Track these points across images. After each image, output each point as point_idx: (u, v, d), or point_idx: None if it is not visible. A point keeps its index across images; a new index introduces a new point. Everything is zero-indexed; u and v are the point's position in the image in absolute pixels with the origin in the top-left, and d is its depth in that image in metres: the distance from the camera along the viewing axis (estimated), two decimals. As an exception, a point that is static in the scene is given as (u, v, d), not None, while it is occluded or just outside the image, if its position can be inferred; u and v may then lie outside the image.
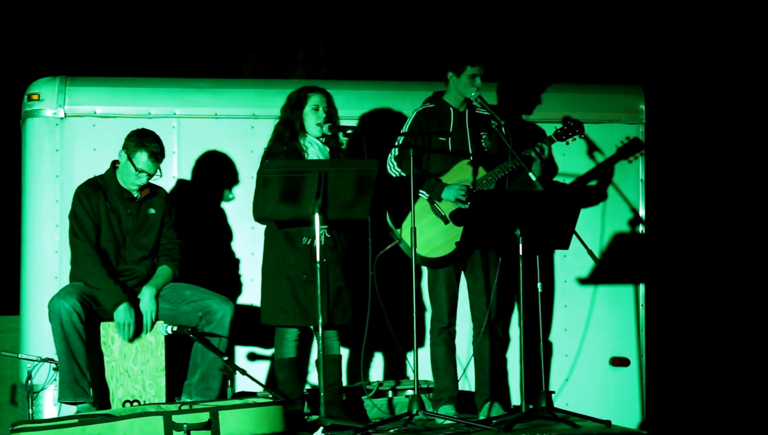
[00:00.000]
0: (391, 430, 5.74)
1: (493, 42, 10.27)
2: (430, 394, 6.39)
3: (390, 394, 6.50)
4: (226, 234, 6.75)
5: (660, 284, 8.36)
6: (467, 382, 6.58)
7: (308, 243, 6.03)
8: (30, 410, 6.22)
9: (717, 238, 9.81)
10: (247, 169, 6.72)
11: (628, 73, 9.67)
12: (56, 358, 5.88)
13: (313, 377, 6.60)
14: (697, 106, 10.08)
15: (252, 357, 6.69)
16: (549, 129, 6.62)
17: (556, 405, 6.06)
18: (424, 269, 6.49)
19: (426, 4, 10.69)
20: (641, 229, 7.11)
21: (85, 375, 5.79)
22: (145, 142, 5.98)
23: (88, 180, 6.15)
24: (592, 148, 7.08)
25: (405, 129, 6.33)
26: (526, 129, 6.95)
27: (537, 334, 6.20)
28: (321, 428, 5.58)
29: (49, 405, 6.28)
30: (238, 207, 6.72)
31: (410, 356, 6.08)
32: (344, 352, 6.39)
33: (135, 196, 6.08)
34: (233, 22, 10.54)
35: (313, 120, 6.18)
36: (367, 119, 6.85)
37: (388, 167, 6.30)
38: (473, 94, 6.31)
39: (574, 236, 6.08)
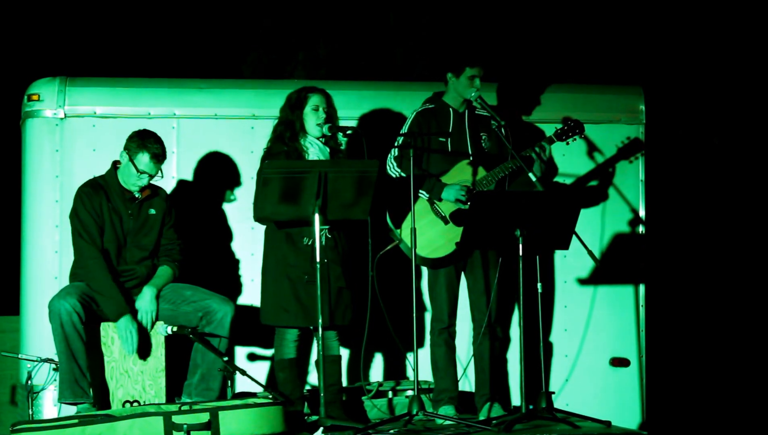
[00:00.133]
0: (391, 431, 5.73)
1: (492, 42, 10.28)
2: (430, 395, 6.39)
3: (390, 394, 6.49)
4: (226, 234, 6.75)
5: (660, 284, 8.36)
6: (467, 382, 6.57)
7: (309, 243, 6.03)
8: (30, 410, 6.21)
9: (717, 238, 9.81)
10: (247, 169, 6.72)
11: (628, 73, 9.67)
12: (56, 359, 5.87)
13: (313, 377, 6.60)
14: (697, 107, 10.08)
15: (252, 357, 6.69)
16: (549, 129, 6.62)
17: (556, 405, 6.05)
18: (424, 269, 6.49)
19: (426, 4, 10.69)
20: (641, 229, 7.10)
21: (85, 375, 5.78)
22: (147, 143, 5.97)
23: (88, 180, 6.14)
24: (592, 149, 7.07)
25: (404, 129, 6.33)
26: (526, 129, 6.94)
27: (537, 334, 6.19)
28: (321, 428, 5.58)
29: (49, 405, 6.27)
30: (238, 207, 6.72)
31: (410, 356, 6.07)
32: (344, 353, 6.39)
33: (136, 196, 6.07)
34: (233, 22, 10.55)
35: (313, 120, 6.17)
36: (366, 119, 6.84)
37: (388, 168, 6.29)
38: (472, 95, 6.31)
39: (574, 236, 6.08)
